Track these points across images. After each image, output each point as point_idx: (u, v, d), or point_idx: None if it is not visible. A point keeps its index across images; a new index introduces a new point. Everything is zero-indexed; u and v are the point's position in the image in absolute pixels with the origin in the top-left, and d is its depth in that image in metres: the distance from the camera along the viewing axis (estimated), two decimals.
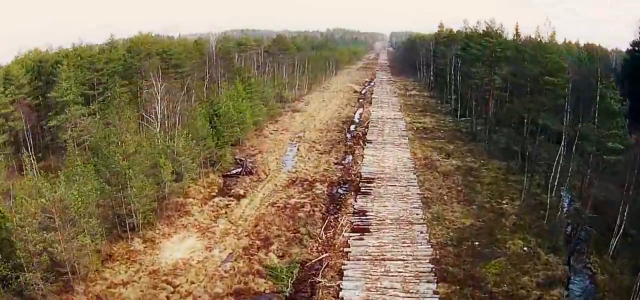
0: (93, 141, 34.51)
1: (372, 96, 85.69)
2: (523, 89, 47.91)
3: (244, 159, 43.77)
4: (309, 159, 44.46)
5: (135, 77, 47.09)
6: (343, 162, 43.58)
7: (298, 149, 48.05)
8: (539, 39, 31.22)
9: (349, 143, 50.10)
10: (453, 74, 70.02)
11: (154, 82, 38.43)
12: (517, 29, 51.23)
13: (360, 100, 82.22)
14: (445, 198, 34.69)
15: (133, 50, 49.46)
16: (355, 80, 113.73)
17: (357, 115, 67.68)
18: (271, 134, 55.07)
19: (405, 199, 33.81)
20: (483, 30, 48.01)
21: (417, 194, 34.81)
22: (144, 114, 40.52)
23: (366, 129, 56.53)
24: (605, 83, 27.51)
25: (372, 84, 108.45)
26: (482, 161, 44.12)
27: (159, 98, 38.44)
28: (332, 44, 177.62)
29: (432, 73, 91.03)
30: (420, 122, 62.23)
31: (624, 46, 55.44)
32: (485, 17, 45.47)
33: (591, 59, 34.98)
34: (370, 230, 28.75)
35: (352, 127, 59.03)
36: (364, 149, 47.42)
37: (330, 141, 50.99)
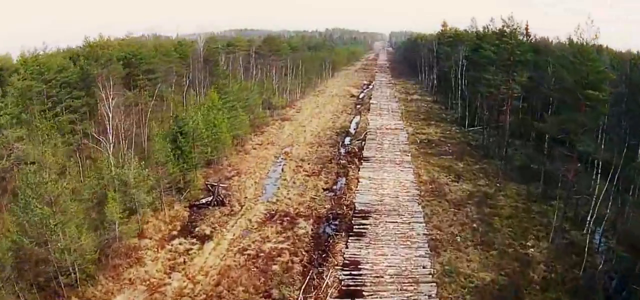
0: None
1: (371, 101, 78.93)
2: (544, 98, 41.67)
3: (216, 184, 37.07)
4: (293, 183, 37.76)
5: (92, 87, 40.35)
6: (334, 187, 36.86)
7: (282, 170, 41.37)
8: (580, 42, 24.37)
9: (342, 161, 43.36)
10: (460, 77, 63.29)
11: (103, 96, 31.75)
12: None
13: (358, 106, 75.49)
14: (458, 239, 28.01)
15: (91, 56, 42.70)
16: (352, 83, 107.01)
17: (353, 125, 60.98)
18: (254, 149, 48.37)
19: (408, 242, 27.12)
20: (498, 30, 41.18)
21: (424, 234, 28.12)
22: (94, 134, 33.95)
23: (363, 143, 49.80)
24: None
25: (370, 87, 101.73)
26: (497, 185, 37.46)
27: (110, 115, 31.79)
28: (330, 44, 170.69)
29: (435, 76, 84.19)
30: (424, 133, 55.50)
31: (624, 47, 49.87)
32: (502, 15, 38.82)
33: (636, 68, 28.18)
34: (364, 292, 22.08)
35: (347, 140, 52.31)
36: (359, 169, 40.72)
37: (321, 159, 44.27)
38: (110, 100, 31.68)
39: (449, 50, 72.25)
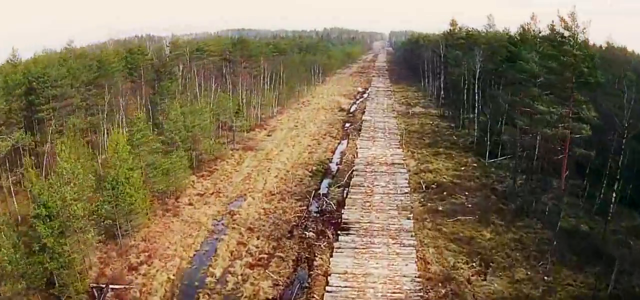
0: None
1: (363, 118, 64.22)
2: (614, 137, 27.13)
3: (105, 286, 22.79)
4: (224, 284, 23.19)
5: None
6: (284, 298, 22.19)
7: (216, 251, 26.79)
8: None
9: (309, 232, 28.63)
10: (476, 90, 48.69)
11: None
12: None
13: (346, 125, 60.90)
14: None
15: None
16: (345, 91, 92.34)
17: (336, 157, 46.31)
18: (190, 204, 33.86)
19: None
20: (551, 31, 26.53)
21: None
22: None
23: (345, 191, 35.10)
24: None
25: (365, 95, 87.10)
26: (545, 279, 23.07)
27: None
28: (324, 44, 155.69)
29: (441, 84, 69.24)
30: (431, 170, 40.82)
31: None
32: (562, 10, 24.57)
33: None
34: None
35: (325, 186, 37.59)
36: (333, 250, 26.05)
37: (279, 227, 29.51)
38: None
39: (459, 54, 57.55)
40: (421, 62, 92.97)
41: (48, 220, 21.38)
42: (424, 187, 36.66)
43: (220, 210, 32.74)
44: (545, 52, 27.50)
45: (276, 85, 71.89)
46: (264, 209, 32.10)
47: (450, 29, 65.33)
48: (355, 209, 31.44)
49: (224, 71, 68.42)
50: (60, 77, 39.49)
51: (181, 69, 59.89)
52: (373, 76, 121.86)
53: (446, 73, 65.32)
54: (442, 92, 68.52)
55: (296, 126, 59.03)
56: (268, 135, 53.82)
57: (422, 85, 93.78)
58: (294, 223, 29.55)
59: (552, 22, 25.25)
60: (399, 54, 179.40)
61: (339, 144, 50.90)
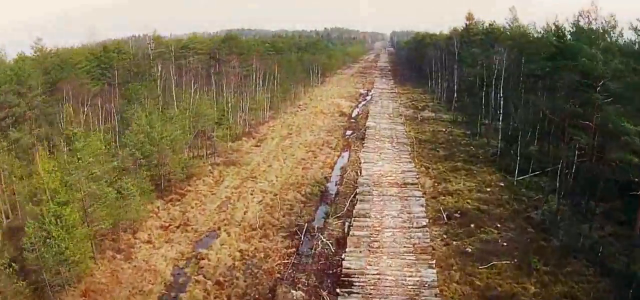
0: None
1: (367, 124, 56.80)
2: None
3: None
4: None
5: None
6: None
7: None
8: None
9: (298, 291, 21.04)
10: (501, 94, 41.28)
11: None
12: None
13: (347, 133, 53.49)
14: None
15: None
16: (346, 93, 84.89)
17: (336, 173, 38.80)
18: (148, 241, 26.47)
19: None
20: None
21: None
22: None
23: (347, 224, 27.60)
24: None
25: (368, 98, 79.68)
26: None
27: None
28: (323, 44, 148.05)
29: (455, 85, 61.53)
30: (450, 193, 33.38)
31: None
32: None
33: None
34: None
35: (321, 215, 30.11)
36: None
37: (257, 283, 21.96)
38: None
39: (477, 52, 50.06)
40: (428, 62, 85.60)
41: None
42: (445, 216, 29.22)
43: (185, 251, 25.32)
44: (623, 48, 20.08)
45: (270, 86, 64.50)
46: (240, 251, 24.61)
47: (465, 24, 57.75)
48: (360, 252, 23.98)
49: (211, 71, 61.12)
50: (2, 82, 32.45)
51: (160, 68, 52.42)
52: (376, 77, 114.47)
53: (460, 73, 57.74)
54: (455, 95, 60.88)
55: (290, 134, 51.62)
56: (256, 146, 46.41)
57: (429, 87, 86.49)
58: (278, 275, 22.03)
59: None
60: (402, 54, 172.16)
61: (339, 157, 43.45)
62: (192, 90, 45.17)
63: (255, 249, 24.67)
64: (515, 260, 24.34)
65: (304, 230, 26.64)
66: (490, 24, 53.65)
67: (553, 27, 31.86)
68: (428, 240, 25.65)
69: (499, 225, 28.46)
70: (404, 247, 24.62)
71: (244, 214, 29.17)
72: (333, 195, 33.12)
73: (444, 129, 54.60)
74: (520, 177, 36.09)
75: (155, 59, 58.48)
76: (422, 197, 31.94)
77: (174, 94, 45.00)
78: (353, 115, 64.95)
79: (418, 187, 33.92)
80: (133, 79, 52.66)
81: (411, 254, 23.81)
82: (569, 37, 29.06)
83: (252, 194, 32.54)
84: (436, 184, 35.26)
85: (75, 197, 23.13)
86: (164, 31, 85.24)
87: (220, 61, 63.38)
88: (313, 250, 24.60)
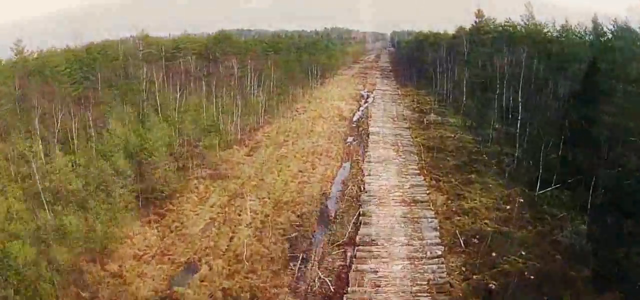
0: None
1: (370, 129, 52.91)
2: None
3: None
4: None
5: None
6: None
7: None
8: None
9: None
10: (520, 98, 37.34)
11: None
12: None
13: (349, 139, 49.58)
14: None
15: None
16: (346, 95, 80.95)
17: (336, 188, 34.72)
18: (118, 275, 22.59)
19: None
20: None
21: None
22: None
23: (347, 260, 23.56)
24: None
25: (370, 100, 75.74)
26: None
27: None
28: (323, 44, 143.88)
29: (464, 88, 57.48)
30: (466, 212, 29.49)
31: None
32: None
33: None
34: None
35: (318, 240, 26.14)
36: None
37: None
38: None
39: (489, 52, 46.17)
40: (432, 62, 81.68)
41: None
42: (462, 242, 25.36)
43: (159, 288, 21.43)
44: None
45: (265, 88, 60.62)
46: (222, 289, 20.72)
47: (475, 22, 53.79)
48: (365, 292, 20.09)
49: (202, 73, 57.24)
50: None
51: (145, 71, 48.47)
52: (377, 77, 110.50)
53: (469, 75, 53.78)
54: (464, 98, 56.91)
55: (286, 141, 47.70)
56: (249, 155, 42.51)
57: (433, 89, 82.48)
58: None
59: None
60: (403, 54, 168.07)
61: (339, 168, 39.51)
62: (178, 95, 41.23)
63: (240, 287, 20.74)
64: (545, 298, 20.71)
65: (299, 261, 22.71)
66: (505, 21, 49.69)
67: (589, 26, 27.97)
68: (444, 274, 21.79)
69: (523, 253, 24.66)
70: (417, 284, 20.73)
71: (230, 241, 25.26)
72: (333, 215, 29.17)
73: (452, 134, 50.63)
74: (541, 191, 32.32)
75: (142, 60, 54.76)
76: (435, 218, 28.04)
77: (157, 99, 41.07)
78: (354, 119, 61.03)
79: (429, 205, 30.04)
80: (117, 82, 48.87)
81: (426, 295, 19.91)
82: (610, 36, 25.23)
83: (239, 215, 28.62)
84: (449, 201, 31.37)
85: (26, 229, 19.31)
86: (163, 32, 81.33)
87: (214, 62, 59.55)
88: (308, 289, 20.66)
